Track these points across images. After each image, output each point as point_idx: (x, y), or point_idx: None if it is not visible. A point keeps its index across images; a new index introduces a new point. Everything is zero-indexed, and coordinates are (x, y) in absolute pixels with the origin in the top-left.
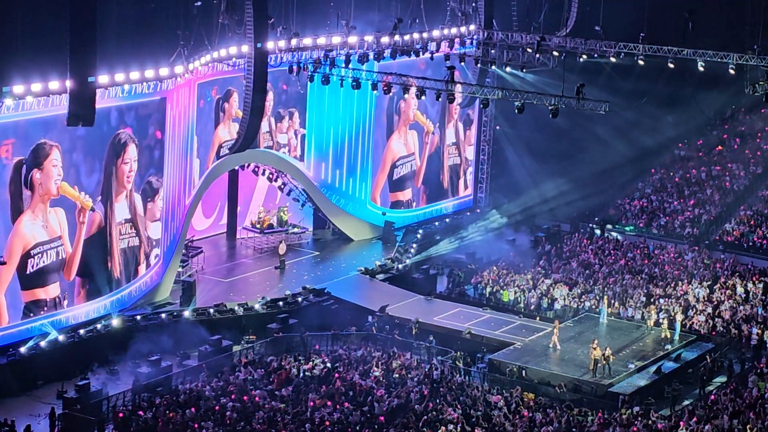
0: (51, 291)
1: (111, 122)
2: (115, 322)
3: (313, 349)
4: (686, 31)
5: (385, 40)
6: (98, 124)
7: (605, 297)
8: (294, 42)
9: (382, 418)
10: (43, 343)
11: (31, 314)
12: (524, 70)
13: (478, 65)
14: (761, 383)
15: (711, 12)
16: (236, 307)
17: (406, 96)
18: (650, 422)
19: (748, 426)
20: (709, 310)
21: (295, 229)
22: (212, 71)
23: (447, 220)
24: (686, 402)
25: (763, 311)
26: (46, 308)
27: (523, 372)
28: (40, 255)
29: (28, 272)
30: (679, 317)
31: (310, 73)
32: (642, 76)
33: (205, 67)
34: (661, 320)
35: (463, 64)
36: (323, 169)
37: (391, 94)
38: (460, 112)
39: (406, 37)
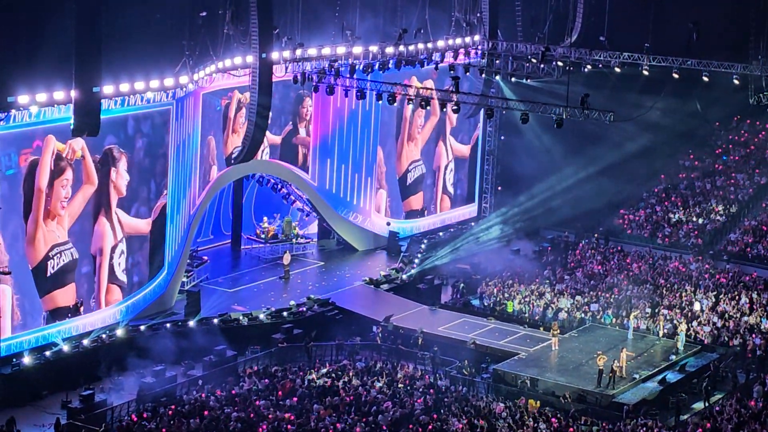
0: (69, 296)
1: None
2: (120, 332)
3: (317, 360)
4: (691, 42)
5: (389, 50)
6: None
7: (632, 313)
8: (299, 52)
9: (385, 428)
10: (47, 353)
11: (54, 321)
12: (528, 80)
13: (483, 75)
14: None
15: (715, 23)
16: (241, 318)
17: (410, 105)
18: None
19: None
20: (714, 320)
21: (300, 239)
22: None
23: (451, 230)
24: (691, 412)
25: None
26: (69, 315)
27: (528, 382)
28: (58, 255)
29: (48, 275)
30: (684, 327)
31: (314, 83)
32: (646, 87)
33: (209, 76)
34: (666, 331)
35: (468, 74)
36: (327, 178)
37: (395, 104)
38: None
39: (411, 48)
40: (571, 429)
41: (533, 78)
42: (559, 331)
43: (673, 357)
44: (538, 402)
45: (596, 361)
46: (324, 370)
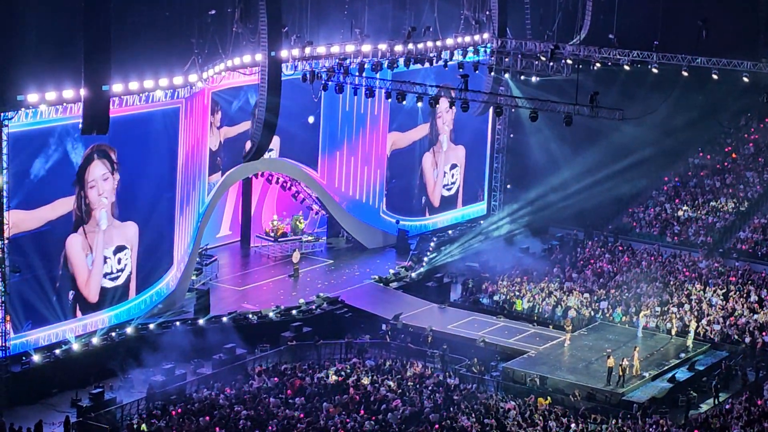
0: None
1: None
2: (130, 330)
3: (327, 358)
4: (700, 39)
5: (398, 48)
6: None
7: (642, 311)
8: (308, 50)
9: (395, 426)
10: (57, 351)
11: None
12: (537, 78)
13: (492, 73)
14: None
15: (725, 20)
16: (250, 316)
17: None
18: (664, 430)
19: None
20: (724, 318)
21: (309, 238)
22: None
23: (460, 228)
24: (700, 410)
25: None
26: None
27: (537, 380)
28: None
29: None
30: (693, 325)
31: (323, 82)
32: (656, 84)
33: (219, 75)
34: (676, 329)
35: (477, 72)
36: (336, 176)
37: (404, 102)
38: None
39: (420, 46)
40: (582, 424)
41: (542, 76)
42: (572, 326)
43: (683, 355)
44: (549, 398)
45: (606, 360)
46: (334, 369)
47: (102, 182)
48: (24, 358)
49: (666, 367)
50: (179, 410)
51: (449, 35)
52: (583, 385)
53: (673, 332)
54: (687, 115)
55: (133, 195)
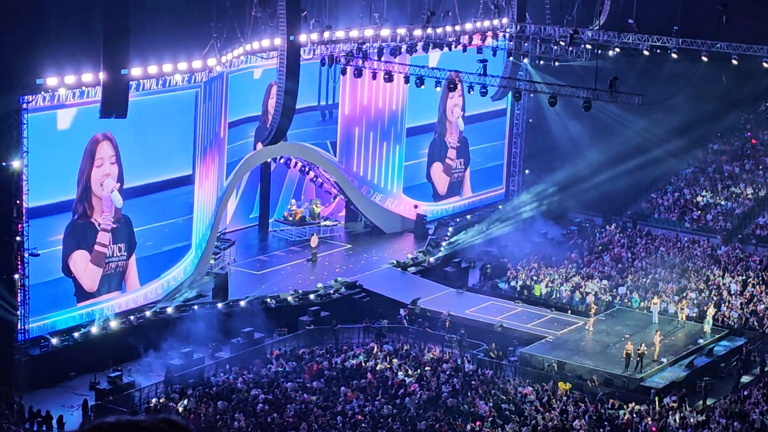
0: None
1: None
2: (148, 313)
3: (344, 342)
4: (720, 24)
5: (417, 33)
6: None
7: (659, 297)
8: (326, 35)
9: (413, 410)
10: (76, 335)
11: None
12: (556, 63)
13: (511, 58)
14: None
15: (745, 5)
16: (268, 300)
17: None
18: (682, 416)
19: None
20: (742, 304)
21: (327, 222)
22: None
23: (478, 213)
24: (719, 396)
25: None
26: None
27: (555, 365)
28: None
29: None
30: (712, 311)
31: (342, 66)
32: (675, 70)
33: (237, 59)
34: (694, 315)
35: (495, 57)
36: (355, 161)
37: (422, 86)
38: None
39: (439, 30)
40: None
41: (561, 61)
42: (595, 309)
43: (701, 341)
44: (569, 384)
45: (624, 345)
46: (351, 353)
47: (109, 164)
48: (43, 341)
49: (684, 353)
50: (197, 394)
51: (468, 20)
52: (601, 370)
53: (686, 317)
54: (706, 101)
55: (150, 179)
